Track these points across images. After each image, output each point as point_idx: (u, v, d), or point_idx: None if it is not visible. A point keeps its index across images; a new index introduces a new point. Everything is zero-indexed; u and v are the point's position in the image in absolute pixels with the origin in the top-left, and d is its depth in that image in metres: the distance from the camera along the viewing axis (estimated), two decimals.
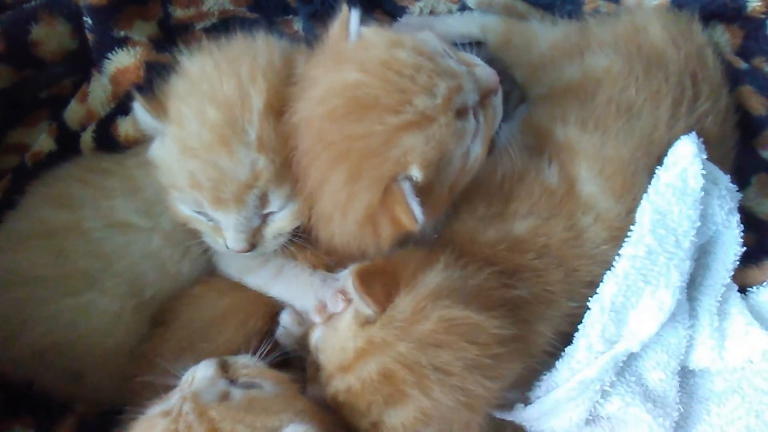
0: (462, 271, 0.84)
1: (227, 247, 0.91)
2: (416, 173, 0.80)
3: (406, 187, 0.79)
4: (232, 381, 0.81)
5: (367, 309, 0.80)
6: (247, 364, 0.84)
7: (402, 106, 0.79)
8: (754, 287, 1.01)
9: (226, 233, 0.90)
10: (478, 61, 0.89)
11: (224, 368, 0.82)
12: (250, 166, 0.84)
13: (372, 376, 0.79)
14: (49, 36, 1.03)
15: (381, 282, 0.80)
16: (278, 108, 0.86)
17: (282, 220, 0.91)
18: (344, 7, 0.86)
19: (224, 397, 0.78)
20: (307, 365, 0.91)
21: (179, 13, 1.05)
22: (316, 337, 0.88)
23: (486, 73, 0.86)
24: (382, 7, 1.12)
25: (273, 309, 0.99)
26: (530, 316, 0.88)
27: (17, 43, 1.02)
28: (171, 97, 0.88)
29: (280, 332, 0.96)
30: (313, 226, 0.89)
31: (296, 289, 0.95)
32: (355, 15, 0.84)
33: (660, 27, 1.01)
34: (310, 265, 0.96)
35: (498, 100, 0.89)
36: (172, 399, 0.78)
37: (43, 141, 1.10)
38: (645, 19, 1.03)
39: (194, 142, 0.85)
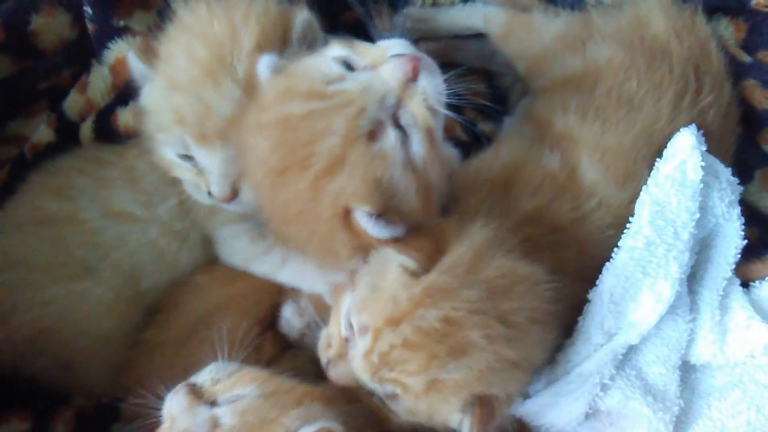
0: (498, 231, 0.82)
1: (209, 195, 0.91)
2: (360, 208, 0.79)
3: (360, 214, 0.79)
4: (213, 403, 0.77)
5: (413, 264, 0.77)
6: (216, 378, 0.80)
7: (309, 158, 0.77)
8: (757, 281, 1.01)
9: (209, 177, 0.90)
10: (390, 50, 0.83)
11: (196, 393, 0.78)
12: (236, 102, 0.85)
13: (434, 324, 0.74)
14: (49, 26, 1.04)
15: (426, 238, 0.78)
16: (269, 52, 0.87)
17: None
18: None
19: (214, 425, 0.74)
20: (319, 351, 0.87)
21: (179, 2, 1.02)
22: (347, 304, 0.83)
23: (393, 68, 0.81)
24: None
25: (276, 298, 1.00)
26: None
27: (17, 33, 1.03)
28: (162, 42, 0.90)
29: (282, 324, 0.97)
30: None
31: (306, 274, 0.96)
32: (265, 60, 0.85)
33: (663, 19, 1.02)
34: None
35: (426, 80, 0.81)
36: None
37: (42, 132, 1.12)
38: (648, 11, 1.04)
39: (181, 77, 0.87)
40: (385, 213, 0.79)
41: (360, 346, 0.79)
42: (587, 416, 0.92)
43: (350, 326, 0.81)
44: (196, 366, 0.90)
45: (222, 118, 0.86)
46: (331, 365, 0.84)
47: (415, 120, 0.81)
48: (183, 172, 0.93)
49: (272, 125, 0.80)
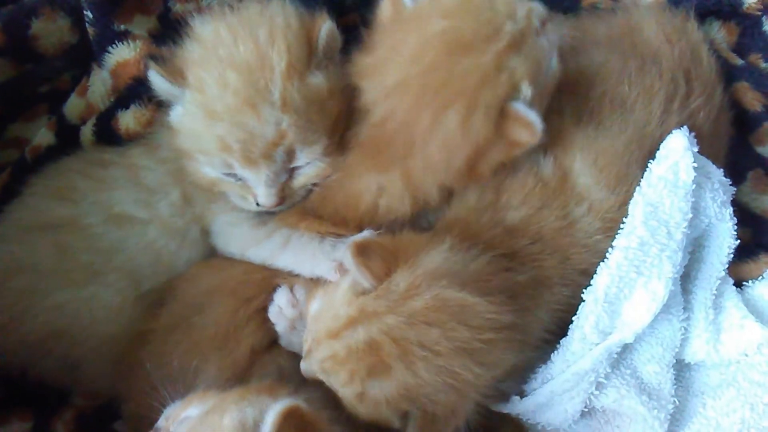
0: (465, 254, 0.86)
1: (257, 205, 0.95)
2: (526, 89, 0.86)
3: (520, 105, 0.86)
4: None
5: (364, 281, 0.82)
6: (168, 414, 0.81)
7: (497, 33, 0.86)
8: (750, 281, 1.04)
9: (256, 190, 0.94)
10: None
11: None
12: (276, 125, 0.88)
13: (358, 344, 0.80)
14: (50, 30, 1.04)
15: (380, 256, 0.82)
16: (300, 69, 0.90)
17: (310, 174, 0.95)
18: None
19: None
20: (303, 340, 0.91)
21: (179, 7, 1.07)
22: (314, 308, 0.89)
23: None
24: None
25: (268, 283, 1.00)
26: (528, 302, 0.90)
27: (17, 37, 1.03)
28: (187, 63, 0.92)
29: (272, 311, 0.97)
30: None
31: (307, 255, 0.97)
32: None
33: (655, 25, 1.03)
34: (316, 234, 0.98)
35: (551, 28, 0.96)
36: None
37: (43, 135, 1.12)
38: (640, 16, 1.06)
39: (218, 106, 0.89)
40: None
41: (313, 352, 0.86)
42: (583, 415, 0.93)
43: None
44: (185, 352, 0.94)
45: (266, 140, 0.89)
46: (303, 360, 0.89)
47: (550, 43, 0.93)
48: (227, 186, 0.96)
49: (454, 6, 0.88)
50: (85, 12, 1.01)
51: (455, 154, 0.87)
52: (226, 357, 0.95)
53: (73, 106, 1.11)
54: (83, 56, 1.09)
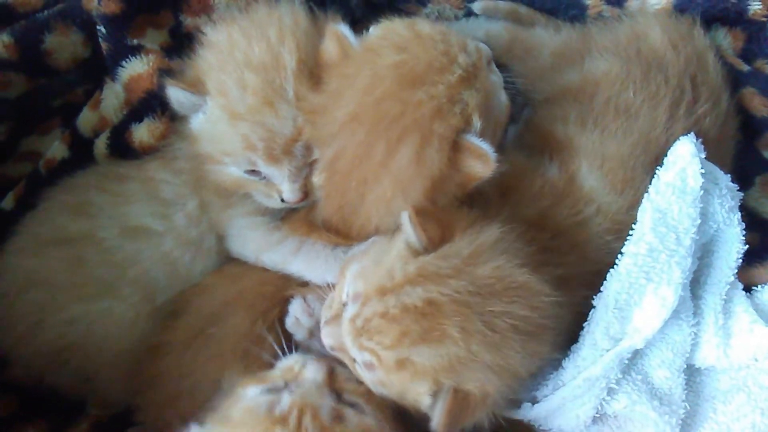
0: (516, 239, 0.84)
1: (282, 201, 0.98)
2: (476, 122, 0.89)
3: (473, 137, 0.88)
4: (338, 395, 0.81)
5: (418, 242, 0.80)
6: (350, 377, 0.84)
7: (450, 65, 0.89)
8: (759, 286, 1.03)
9: (281, 186, 0.98)
10: None
11: (332, 377, 0.82)
12: (293, 121, 0.93)
13: (416, 303, 0.76)
14: (63, 45, 1.07)
15: (436, 221, 0.81)
16: (310, 67, 0.94)
17: None
18: (329, 28, 0.95)
19: (339, 417, 0.77)
20: (323, 307, 0.90)
21: (190, 21, 1.08)
22: (351, 271, 0.86)
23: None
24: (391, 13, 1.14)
25: (283, 294, 1.01)
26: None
27: (30, 52, 1.06)
28: (204, 70, 0.95)
29: (290, 322, 0.98)
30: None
31: (319, 261, 0.99)
32: (344, 28, 0.94)
33: (660, 31, 1.04)
34: (327, 242, 1.00)
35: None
36: (281, 396, 0.78)
37: (57, 148, 1.14)
38: (646, 23, 1.07)
39: (240, 107, 0.92)
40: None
41: (350, 310, 0.82)
42: (594, 420, 0.93)
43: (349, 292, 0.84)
44: (203, 364, 0.95)
45: (285, 137, 0.93)
46: (325, 325, 0.87)
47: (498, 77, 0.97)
48: (252, 185, 1.00)
49: (408, 39, 0.91)
50: (98, 27, 1.03)
51: (410, 189, 0.87)
52: (248, 368, 0.94)
53: (86, 120, 1.13)
54: (96, 70, 1.11)
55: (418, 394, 0.79)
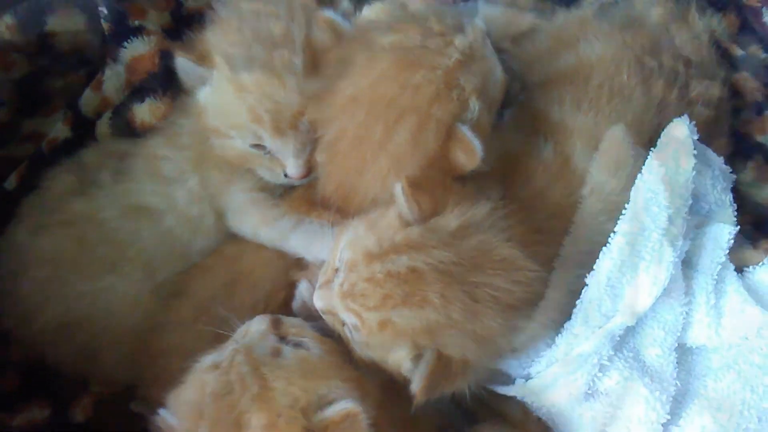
0: (506, 218, 0.86)
1: (285, 176, 0.99)
2: (474, 105, 0.89)
3: (466, 128, 0.87)
4: (282, 338, 0.84)
5: (410, 214, 0.81)
6: (295, 324, 0.87)
7: (447, 48, 0.88)
8: (751, 267, 1.03)
9: (286, 161, 0.98)
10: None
11: (275, 325, 0.85)
12: (300, 95, 0.93)
13: (400, 270, 0.79)
14: (65, 27, 1.06)
15: (430, 194, 0.82)
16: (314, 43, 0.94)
17: None
18: (318, 15, 0.95)
19: (276, 353, 0.80)
20: (320, 271, 0.92)
21: (191, 3, 1.10)
22: (346, 237, 0.88)
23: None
24: None
25: (287, 278, 1.01)
26: (551, 273, 0.91)
27: (33, 34, 1.05)
28: (213, 44, 0.96)
29: (296, 305, 0.98)
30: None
31: (316, 239, 0.99)
32: (333, 14, 0.95)
33: (656, 15, 1.06)
34: (326, 221, 1.00)
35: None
36: (225, 351, 0.81)
37: (59, 129, 1.14)
38: (642, 7, 1.08)
39: (247, 80, 0.93)
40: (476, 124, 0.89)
41: (341, 275, 0.84)
42: (586, 397, 0.93)
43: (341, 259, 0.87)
44: (206, 343, 0.94)
45: (292, 111, 0.94)
46: (318, 289, 0.89)
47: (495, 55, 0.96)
48: (256, 160, 1.00)
49: (401, 20, 0.91)
50: (99, 8, 1.03)
51: (406, 167, 0.87)
52: None
53: (88, 100, 1.13)
54: (98, 52, 1.10)
55: (400, 358, 0.82)
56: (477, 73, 0.89)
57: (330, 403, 0.76)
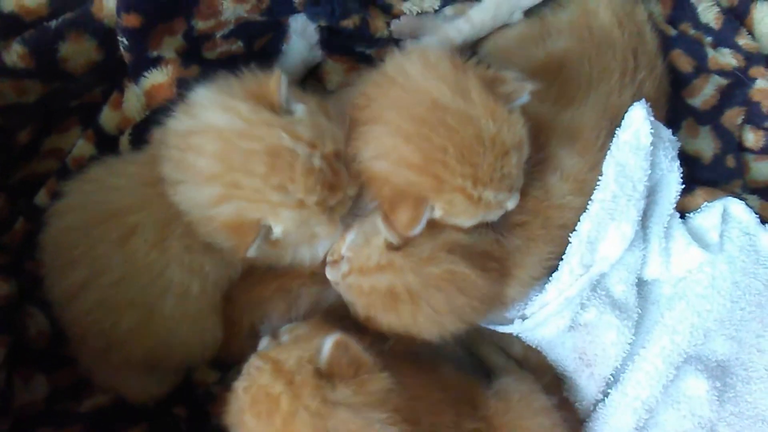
0: (475, 234, 0.95)
1: None
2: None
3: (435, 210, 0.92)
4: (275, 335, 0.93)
5: (392, 239, 0.90)
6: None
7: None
8: (692, 213, 1.13)
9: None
10: None
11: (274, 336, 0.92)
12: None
13: (380, 287, 0.91)
14: (77, 52, 1.06)
15: (405, 217, 0.88)
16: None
17: None
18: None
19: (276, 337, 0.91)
20: (329, 253, 0.99)
21: (201, 25, 1.09)
22: (349, 239, 0.96)
23: None
24: (376, 4, 1.18)
25: None
26: (511, 265, 1.00)
27: (46, 60, 1.05)
28: (249, 210, 0.87)
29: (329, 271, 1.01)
30: None
31: None
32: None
33: (608, 11, 1.10)
34: None
35: None
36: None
37: (82, 146, 1.14)
38: (595, 2, 1.11)
39: (308, 200, 0.87)
40: None
41: (343, 267, 0.96)
42: (570, 330, 1.04)
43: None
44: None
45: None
46: (328, 265, 0.99)
47: None
48: None
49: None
50: (120, 39, 1.03)
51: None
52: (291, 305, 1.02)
53: (108, 119, 1.14)
54: (110, 72, 1.12)
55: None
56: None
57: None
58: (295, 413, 0.79)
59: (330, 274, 0.99)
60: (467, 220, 0.92)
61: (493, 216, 0.93)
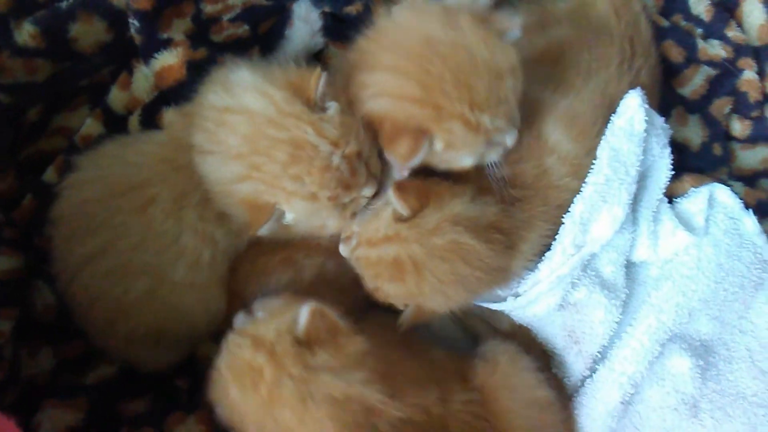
0: (481, 205, 0.96)
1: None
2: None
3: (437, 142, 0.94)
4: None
5: (402, 210, 0.92)
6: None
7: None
8: (679, 198, 1.14)
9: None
10: None
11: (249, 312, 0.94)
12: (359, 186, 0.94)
13: (387, 257, 0.93)
14: (87, 32, 1.07)
15: (414, 193, 0.92)
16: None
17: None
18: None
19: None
20: (342, 231, 1.01)
21: (209, 8, 1.11)
22: (358, 217, 0.98)
23: None
24: None
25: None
26: (517, 239, 1.02)
27: (57, 40, 1.06)
28: (262, 192, 0.91)
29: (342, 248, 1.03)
30: None
31: None
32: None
33: (605, 1, 1.10)
34: None
35: None
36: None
37: (91, 125, 1.15)
38: None
39: (316, 191, 0.91)
40: None
41: (353, 242, 0.99)
42: (560, 308, 1.06)
43: None
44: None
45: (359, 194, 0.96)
46: (342, 242, 1.02)
47: None
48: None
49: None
50: (131, 21, 1.04)
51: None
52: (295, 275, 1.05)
53: (117, 99, 1.15)
54: (119, 52, 1.13)
55: (393, 305, 0.98)
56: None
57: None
58: (280, 381, 0.82)
59: (342, 249, 1.01)
60: (468, 155, 0.93)
61: (494, 154, 0.94)
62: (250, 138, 0.86)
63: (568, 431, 1.08)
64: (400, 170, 0.94)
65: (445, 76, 0.86)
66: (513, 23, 0.92)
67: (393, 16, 0.94)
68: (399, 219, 0.95)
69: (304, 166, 0.86)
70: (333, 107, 0.88)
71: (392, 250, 0.93)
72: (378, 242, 0.94)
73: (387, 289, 0.96)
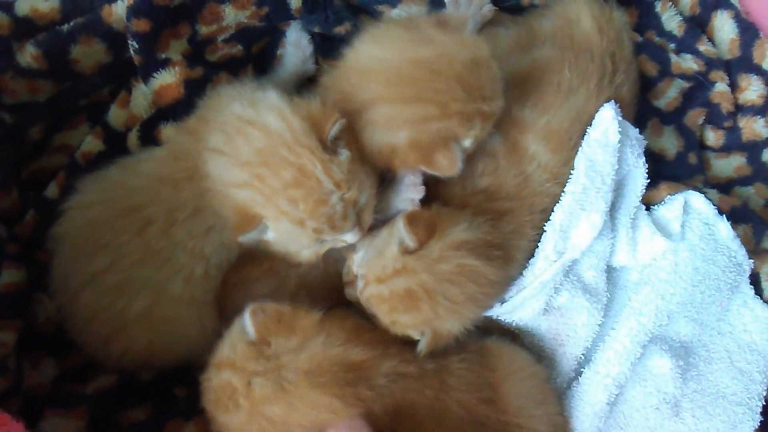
0: (477, 228, 0.99)
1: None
2: (470, 145, 0.99)
3: (458, 148, 0.97)
4: None
5: (411, 243, 0.94)
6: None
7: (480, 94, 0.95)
8: (656, 205, 1.16)
9: (345, 237, 0.97)
10: None
11: None
12: (340, 198, 0.93)
13: (399, 290, 0.94)
14: (87, 54, 1.09)
15: (424, 225, 0.95)
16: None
17: (370, 204, 1.00)
18: None
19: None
20: (343, 272, 1.04)
21: (204, 29, 1.12)
22: (358, 257, 1.00)
23: None
24: (367, 11, 1.21)
25: None
26: (511, 249, 1.05)
27: (58, 61, 1.08)
28: (253, 205, 0.93)
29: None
30: None
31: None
32: None
33: (589, 18, 1.11)
34: None
35: None
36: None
37: (91, 143, 1.15)
38: (576, 11, 1.13)
39: (302, 215, 0.93)
40: None
41: (360, 284, 1.00)
42: (544, 312, 1.07)
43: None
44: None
45: (341, 213, 0.95)
46: (346, 287, 1.04)
47: None
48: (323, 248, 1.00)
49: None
50: (130, 42, 1.05)
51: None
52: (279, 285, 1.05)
53: (116, 117, 1.15)
54: (119, 72, 1.14)
55: (409, 335, 0.98)
56: (486, 129, 0.98)
57: None
58: (251, 384, 0.84)
59: (349, 293, 1.03)
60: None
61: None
62: (263, 152, 0.89)
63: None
64: (416, 187, 0.99)
65: (452, 86, 0.91)
66: (462, 21, 0.99)
67: (359, 48, 0.97)
68: (406, 252, 0.97)
69: (303, 192, 0.88)
70: (345, 155, 0.92)
71: (403, 283, 0.94)
72: (387, 278, 0.95)
73: (404, 320, 0.96)
